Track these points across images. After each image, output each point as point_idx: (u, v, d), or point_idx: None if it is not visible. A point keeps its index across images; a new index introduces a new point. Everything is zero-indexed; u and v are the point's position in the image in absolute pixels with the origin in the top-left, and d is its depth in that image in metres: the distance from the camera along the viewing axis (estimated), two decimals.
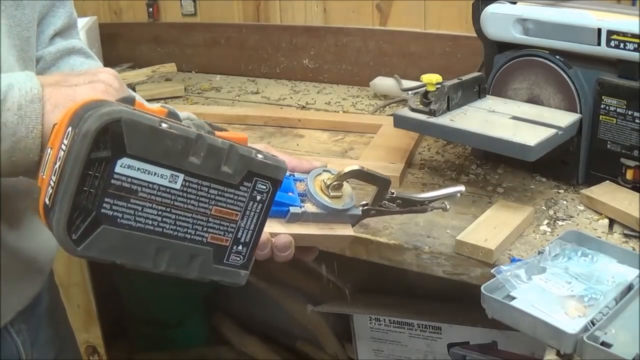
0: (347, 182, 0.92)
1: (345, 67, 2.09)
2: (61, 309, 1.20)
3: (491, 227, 1.10)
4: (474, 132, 1.18)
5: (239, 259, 0.70)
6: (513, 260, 1.01)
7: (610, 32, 1.15)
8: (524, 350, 1.48)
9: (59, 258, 1.65)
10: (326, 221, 0.90)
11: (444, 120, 1.23)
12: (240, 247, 0.69)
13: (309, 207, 0.88)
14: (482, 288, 0.91)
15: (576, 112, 1.23)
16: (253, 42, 2.23)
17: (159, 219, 0.62)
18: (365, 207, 0.93)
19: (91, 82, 0.72)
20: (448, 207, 0.99)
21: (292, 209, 0.86)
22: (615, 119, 1.18)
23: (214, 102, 1.99)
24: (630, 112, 1.16)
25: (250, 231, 0.69)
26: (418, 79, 1.38)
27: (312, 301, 1.81)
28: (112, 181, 0.58)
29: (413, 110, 1.27)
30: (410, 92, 1.79)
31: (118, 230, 0.60)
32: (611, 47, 1.16)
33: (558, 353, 0.84)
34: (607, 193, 1.18)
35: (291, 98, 1.99)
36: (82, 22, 2.17)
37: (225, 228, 0.67)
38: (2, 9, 0.88)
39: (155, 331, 2.20)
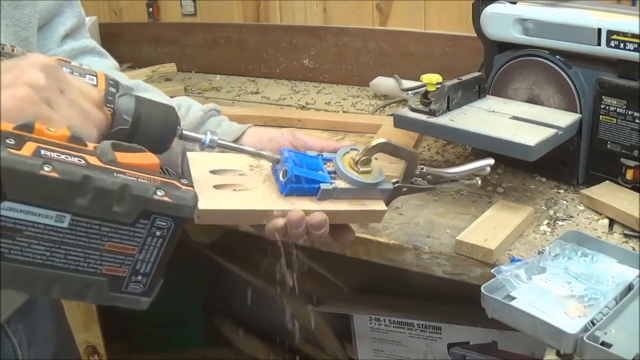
0: (376, 159, 0.92)
1: (345, 67, 2.09)
2: (59, 308, 1.19)
3: (491, 227, 1.10)
4: (474, 132, 1.18)
5: (138, 287, 0.68)
6: (513, 260, 1.01)
7: (610, 32, 1.15)
8: (524, 350, 1.48)
9: None
10: (358, 197, 0.90)
11: (444, 120, 1.23)
12: (139, 277, 0.68)
13: (340, 184, 0.88)
14: (482, 288, 0.91)
15: (576, 112, 1.23)
16: (253, 42, 2.23)
17: (48, 254, 0.61)
18: (397, 184, 0.93)
19: (11, 86, 0.67)
20: (479, 182, 0.99)
21: (323, 186, 0.87)
22: (615, 119, 1.18)
23: (213, 102, 1.98)
24: (630, 112, 1.16)
25: (150, 263, 0.67)
26: (418, 79, 1.38)
27: (313, 301, 1.81)
28: None
29: (413, 110, 1.27)
30: (410, 92, 1.79)
31: (6, 264, 0.60)
32: (611, 47, 1.16)
33: (558, 353, 0.84)
34: (608, 193, 1.18)
35: (291, 98, 1.99)
36: None
37: (122, 261, 0.66)
38: None
39: (155, 331, 2.20)
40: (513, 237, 1.09)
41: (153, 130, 0.82)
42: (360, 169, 0.90)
